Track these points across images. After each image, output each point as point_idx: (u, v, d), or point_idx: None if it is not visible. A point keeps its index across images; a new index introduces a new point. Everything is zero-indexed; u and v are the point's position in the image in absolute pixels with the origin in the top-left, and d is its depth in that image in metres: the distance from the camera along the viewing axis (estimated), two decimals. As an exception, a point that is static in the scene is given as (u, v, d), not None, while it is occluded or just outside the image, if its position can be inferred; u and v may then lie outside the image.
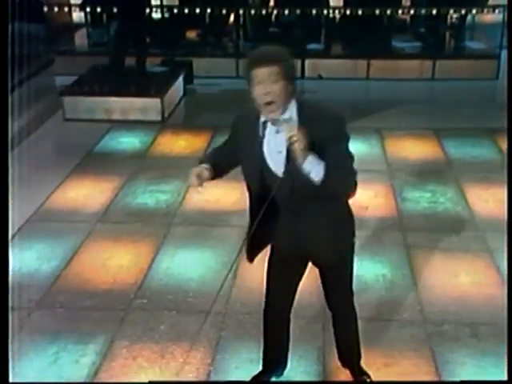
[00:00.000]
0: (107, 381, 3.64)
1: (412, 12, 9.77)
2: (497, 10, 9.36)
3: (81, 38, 10.51)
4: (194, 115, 8.08)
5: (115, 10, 8.39)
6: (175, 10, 9.76)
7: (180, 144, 6.93)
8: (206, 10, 9.66)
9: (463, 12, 9.50)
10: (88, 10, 9.91)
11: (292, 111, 2.70)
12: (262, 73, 2.58)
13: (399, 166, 6.35)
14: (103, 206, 5.65)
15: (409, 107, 7.99)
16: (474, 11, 9.52)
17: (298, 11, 9.39)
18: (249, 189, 2.95)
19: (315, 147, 2.62)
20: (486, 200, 5.66)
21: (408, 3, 9.78)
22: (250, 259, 3.12)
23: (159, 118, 7.50)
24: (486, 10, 9.46)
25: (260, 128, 2.76)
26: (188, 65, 8.76)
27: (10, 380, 2.81)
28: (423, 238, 5.09)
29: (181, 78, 8.35)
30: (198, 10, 9.59)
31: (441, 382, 3.56)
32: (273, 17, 9.86)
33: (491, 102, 8.45)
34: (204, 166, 2.94)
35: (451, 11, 9.47)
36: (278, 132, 2.72)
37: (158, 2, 10.14)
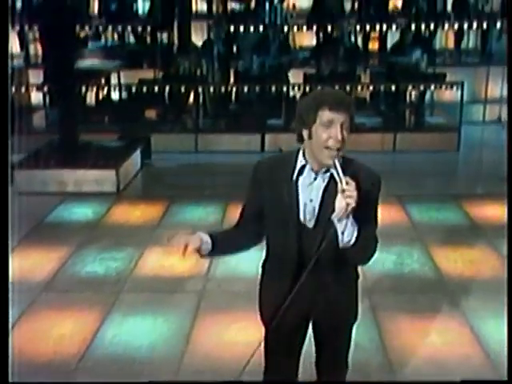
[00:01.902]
0: None
1: (371, 88, 9.85)
2: (455, 87, 9.50)
3: (39, 119, 10.35)
4: (150, 187, 7.84)
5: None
6: (134, 89, 9.69)
7: (135, 214, 6.63)
8: (164, 89, 9.63)
9: (422, 88, 9.61)
10: (45, 89, 9.83)
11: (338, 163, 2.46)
12: (338, 117, 2.41)
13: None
14: (49, 275, 5.25)
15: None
16: (432, 87, 9.64)
17: (258, 88, 9.41)
18: (269, 240, 2.69)
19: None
20: (455, 261, 5.42)
21: (367, 80, 9.90)
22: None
23: (114, 189, 7.21)
24: (444, 87, 9.59)
25: (296, 171, 2.54)
26: (146, 140, 8.59)
27: (10, 380, 2.72)
28: (390, 300, 4.79)
29: (138, 152, 8.15)
30: (156, 89, 9.57)
31: (440, 382, 3.40)
32: (233, 93, 9.84)
33: (454, 171, 8.41)
34: (201, 234, 2.59)
35: (410, 87, 9.58)
36: (315, 179, 2.53)
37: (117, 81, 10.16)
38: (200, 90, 9.52)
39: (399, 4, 11.99)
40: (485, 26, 11.39)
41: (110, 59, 10.03)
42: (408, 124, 9.68)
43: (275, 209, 2.59)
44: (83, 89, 9.71)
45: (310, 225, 2.55)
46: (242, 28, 11.03)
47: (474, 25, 11.40)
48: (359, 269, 2.75)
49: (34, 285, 5.09)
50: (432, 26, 11.11)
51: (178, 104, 9.81)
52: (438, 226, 6.21)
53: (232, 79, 9.95)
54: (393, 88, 9.38)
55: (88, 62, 9.66)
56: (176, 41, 10.99)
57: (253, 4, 11.68)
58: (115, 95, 10.10)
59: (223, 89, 9.57)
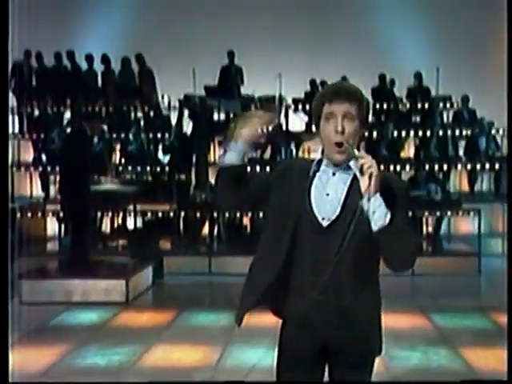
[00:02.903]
0: None
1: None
2: (471, 213, 9.43)
3: (52, 245, 10.30)
4: (161, 299, 7.53)
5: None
6: (149, 216, 9.70)
7: (143, 318, 6.30)
8: (180, 214, 9.64)
9: (438, 214, 9.53)
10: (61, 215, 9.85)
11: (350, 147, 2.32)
12: (338, 108, 2.29)
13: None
14: (44, 368, 4.86)
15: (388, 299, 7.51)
16: (448, 213, 9.56)
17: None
18: (271, 238, 2.41)
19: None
20: (487, 358, 4.98)
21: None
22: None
23: (123, 299, 6.90)
24: (460, 213, 9.53)
25: (313, 167, 2.37)
26: (158, 261, 8.41)
27: (10, 380, 2.70)
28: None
29: (150, 268, 7.93)
30: (172, 214, 9.59)
31: (441, 382, 3.31)
32: (247, 220, 9.81)
33: (477, 290, 8.06)
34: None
35: (426, 214, 9.51)
36: (334, 174, 2.35)
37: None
38: (215, 215, 9.49)
39: (411, 153, 12.31)
40: (497, 166, 11.53)
41: (126, 185, 10.18)
42: (426, 249, 9.45)
43: (284, 206, 2.37)
44: (99, 214, 9.77)
45: (325, 223, 2.31)
46: (257, 169, 11.31)
47: (487, 166, 11.56)
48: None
49: (29, 374, 4.69)
50: (445, 167, 11.27)
51: (192, 232, 9.75)
52: (465, 331, 5.82)
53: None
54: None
55: (105, 187, 9.77)
56: (193, 180, 11.23)
57: (269, 150, 12.04)
58: (130, 225, 10.11)
59: (238, 214, 9.55)
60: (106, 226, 10.34)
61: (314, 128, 2.47)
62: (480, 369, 4.75)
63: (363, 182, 2.19)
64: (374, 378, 3.80)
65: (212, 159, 11.99)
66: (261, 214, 9.52)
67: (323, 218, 2.31)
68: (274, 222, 2.41)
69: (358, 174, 2.25)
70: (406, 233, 2.26)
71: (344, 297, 2.32)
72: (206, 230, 9.79)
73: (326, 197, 2.33)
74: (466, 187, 12.02)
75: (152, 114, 12.76)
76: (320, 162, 2.39)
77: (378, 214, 2.20)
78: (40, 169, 11.93)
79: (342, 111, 2.28)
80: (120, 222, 10.21)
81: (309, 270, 2.33)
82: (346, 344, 2.35)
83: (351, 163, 2.30)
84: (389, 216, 2.21)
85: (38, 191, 12.11)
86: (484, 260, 8.99)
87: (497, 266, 9.35)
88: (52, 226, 10.92)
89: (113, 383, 3.33)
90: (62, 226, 10.32)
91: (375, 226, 2.21)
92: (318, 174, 2.37)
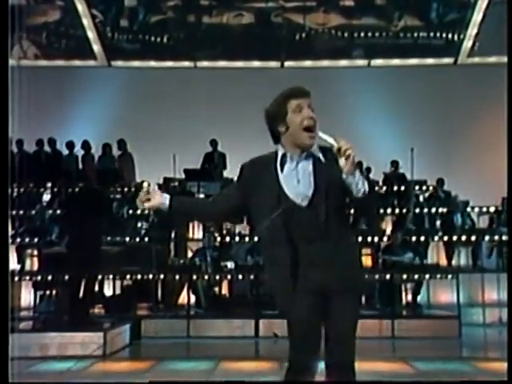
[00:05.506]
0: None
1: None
2: (449, 276, 9.48)
3: (26, 313, 10.08)
4: (139, 353, 7.38)
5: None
6: (128, 277, 9.65)
7: (122, 365, 6.22)
8: (159, 277, 9.61)
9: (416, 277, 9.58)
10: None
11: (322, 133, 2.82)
12: (304, 101, 2.84)
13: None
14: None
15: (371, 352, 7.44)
16: (427, 276, 9.61)
17: (252, 277, 9.37)
18: (262, 233, 2.87)
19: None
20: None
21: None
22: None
23: (100, 352, 6.75)
24: (438, 276, 9.58)
25: (278, 161, 2.85)
26: (136, 322, 8.30)
27: (10, 380, 2.77)
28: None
29: (127, 326, 7.82)
30: (151, 276, 9.55)
31: (441, 382, 3.49)
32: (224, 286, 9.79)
33: (457, 348, 7.99)
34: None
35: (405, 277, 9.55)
36: (298, 163, 2.83)
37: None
38: (194, 277, 9.46)
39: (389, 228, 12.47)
40: (473, 238, 11.65)
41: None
42: (407, 313, 9.42)
43: (264, 198, 2.82)
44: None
45: (304, 204, 2.79)
46: (237, 238, 11.44)
47: (463, 238, 11.68)
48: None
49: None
50: (422, 238, 11.40)
51: (170, 296, 9.69)
52: (445, 373, 5.76)
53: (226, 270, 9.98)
54: (387, 276, 9.34)
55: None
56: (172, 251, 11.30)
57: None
58: (109, 291, 10.00)
59: (217, 277, 9.57)
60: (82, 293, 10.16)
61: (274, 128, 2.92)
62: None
63: (342, 162, 2.66)
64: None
65: (191, 235, 12.10)
66: (240, 277, 9.59)
67: (302, 200, 2.80)
68: (261, 219, 2.81)
69: (322, 159, 2.80)
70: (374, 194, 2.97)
71: (333, 251, 2.80)
72: (184, 293, 9.71)
73: (297, 184, 2.82)
74: (443, 261, 12.10)
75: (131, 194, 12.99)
76: (283, 156, 2.86)
77: (360, 184, 2.70)
78: (18, 241, 11.92)
79: (307, 103, 2.84)
80: (97, 288, 10.08)
81: (303, 242, 2.76)
82: (337, 282, 2.81)
83: (313, 149, 2.80)
84: (366, 183, 2.72)
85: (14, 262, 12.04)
86: (465, 328, 8.98)
87: (478, 333, 9.33)
88: (26, 297, 10.79)
89: (116, 383, 3.32)
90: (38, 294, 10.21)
91: (359, 194, 2.68)
92: (285, 167, 2.84)
